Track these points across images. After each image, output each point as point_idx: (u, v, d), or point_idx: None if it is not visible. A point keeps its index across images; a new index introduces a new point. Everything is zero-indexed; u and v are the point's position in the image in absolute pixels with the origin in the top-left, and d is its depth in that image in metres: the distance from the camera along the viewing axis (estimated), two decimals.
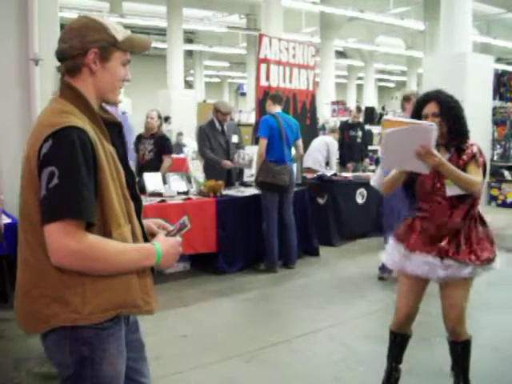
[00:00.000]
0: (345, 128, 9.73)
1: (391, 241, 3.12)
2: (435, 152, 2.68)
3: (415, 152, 2.66)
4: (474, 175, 2.81)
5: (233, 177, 6.87)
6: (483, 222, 2.97)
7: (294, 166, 7.03)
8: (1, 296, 4.45)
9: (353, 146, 9.60)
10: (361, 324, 4.60)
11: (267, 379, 3.62)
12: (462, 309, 2.92)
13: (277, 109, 6.28)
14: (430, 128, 2.67)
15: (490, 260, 2.87)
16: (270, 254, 6.12)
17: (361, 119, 10.78)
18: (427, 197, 2.97)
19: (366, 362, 3.78)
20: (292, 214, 6.28)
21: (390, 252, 3.08)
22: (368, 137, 10.72)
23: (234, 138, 6.78)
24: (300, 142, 6.52)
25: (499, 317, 4.71)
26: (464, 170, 2.83)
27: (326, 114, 14.82)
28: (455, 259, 2.82)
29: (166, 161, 6.74)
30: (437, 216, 2.91)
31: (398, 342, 3.13)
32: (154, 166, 6.55)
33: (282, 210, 6.19)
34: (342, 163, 9.67)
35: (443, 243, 2.86)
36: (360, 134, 9.65)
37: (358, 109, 10.23)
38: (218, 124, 6.65)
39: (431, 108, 2.90)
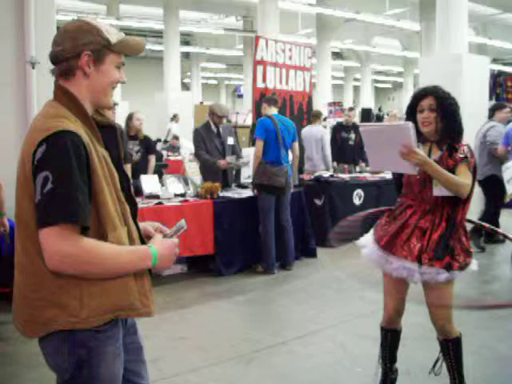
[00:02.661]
0: (337, 129, 9.48)
1: (371, 239, 3.08)
2: (418, 150, 2.66)
3: (399, 152, 2.64)
4: (463, 177, 2.76)
5: (229, 178, 6.89)
6: (464, 227, 2.93)
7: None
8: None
9: (343, 148, 9.29)
10: (358, 325, 4.60)
11: (265, 381, 3.62)
12: (447, 307, 2.91)
13: (273, 111, 6.28)
14: (407, 126, 2.65)
15: (467, 264, 2.85)
16: (268, 256, 6.13)
17: (356, 119, 10.67)
18: (412, 194, 2.95)
19: (364, 363, 3.78)
20: (289, 216, 6.29)
21: (371, 251, 3.05)
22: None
23: (230, 140, 6.77)
24: (296, 145, 6.53)
25: (498, 320, 4.72)
26: (453, 170, 2.80)
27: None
28: (434, 267, 2.80)
29: (152, 160, 6.98)
30: (420, 217, 2.89)
31: (389, 337, 3.14)
32: (143, 166, 6.73)
33: (278, 211, 6.19)
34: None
35: (424, 251, 2.83)
36: (353, 136, 9.29)
37: (351, 109, 9.98)
38: (213, 126, 6.62)
39: (428, 102, 2.87)
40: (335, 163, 9.16)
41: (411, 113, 2.96)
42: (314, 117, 8.83)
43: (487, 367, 3.71)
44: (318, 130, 8.66)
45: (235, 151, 6.84)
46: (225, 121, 6.90)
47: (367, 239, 3.11)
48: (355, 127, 9.40)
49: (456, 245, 2.84)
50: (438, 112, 2.85)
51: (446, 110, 2.86)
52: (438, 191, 2.80)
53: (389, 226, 3.01)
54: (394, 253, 2.91)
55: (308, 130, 8.71)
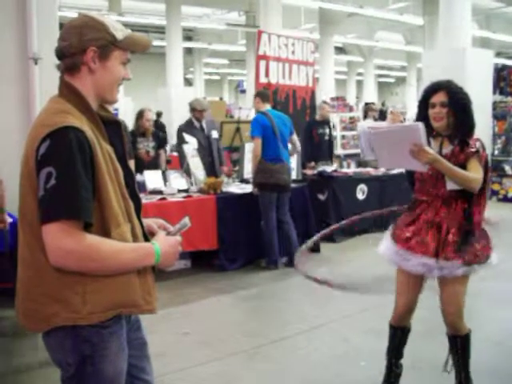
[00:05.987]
0: (313, 126, 8.94)
1: (388, 236, 3.08)
2: (428, 149, 2.67)
3: (409, 151, 2.66)
4: (474, 172, 2.77)
5: (217, 170, 6.90)
6: (481, 221, 2.93)
7: (294, 162, 7.03)
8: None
9: (322, 145, 8.95)
10: (362, 319, 4.60)
11: (269, 375, 3.63)
12: (460, 303, 2.91)
13: (266, 106, 6.17)
14: (417, 127, 2.66)
15: (488, 257, 2.86)
16: (270, 251, 6.11)
17: (359, 114, 10.58)
18: (425, 189, 2.95)
19: (368, 357, 3.78)
20: (287, 210, 6.22)
21: (387, 248, 3.05)
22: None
23: (214, 134, 6.96)
24: (295, 137, 6.39)
25: (502, 311, 4.71)
26: (465, 164, 2.80)
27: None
28: (452, 261, 2.80)
29: (164, 155, 7.10)
30: (435, 212, 2.90)
31: (398, 336, 3.13)
32: (157, 161, 6.81)
33: (278, 209, 6.14)
34: (308, 161, 8.62)
35: (441, 247, 2.83)
36: (327, 131, 9.06)
37: (325, 102, 9.59)
38: (196, 122, 6.82)
39: (440, 97, 2.86)
40: (313, 163, 8.54)
41: (423, 107, 2.95)
42: (371, 110, 9.00)
43: (492, 362, 3.70)
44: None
45: (219, 145, 7.08)
46: (206, 115, 7.03)
47: (385, 238, 3.10)
48: (327, 122, 9.15)
49: (474, 239, 2.83)
50: (450, 107, 2.84)
51: (458, 105, 2.85)
52: (452, 185, 2.81)
53: (405, 223, 3.00)
54: (411, 250, 2.89)
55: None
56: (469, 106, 2.90)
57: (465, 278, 2.88)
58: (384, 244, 3.09)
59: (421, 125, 2.67)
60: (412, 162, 2.72)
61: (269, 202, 6.05)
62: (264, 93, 6.38)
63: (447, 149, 2.89)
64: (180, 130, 6.84)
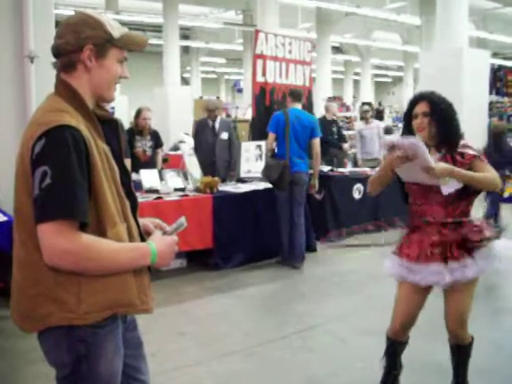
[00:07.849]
0: (326, 125, 8.99)
1: (391, 253, 3.02)
2: (438, 165, 2.65)
3: (421, 169, 2.65)
4: (488, 171, 2.75)
5: (220, 172, 6.90)
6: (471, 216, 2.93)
7: None
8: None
9: (330, 144, 9.15)
10: (359, 319, 4.60)
11: (265, 375, 3.63)
12: (466, 312, 2.88)
13: (295, 105, 6.25)
14: (415, 144, 2.63)
15: (489, 238, 2.82)
16: (281, 249, 6.17)
17: (356, 114, 10.64)
18: (419, 200, 2.92)
19: (365, 358, 3.78)
20: (301, 212, 6.18)
21: (392, 265, 2.98)
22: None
23: (224, 135, 7.07)
24: (316, 141, 6.23)
25: (503, 315, 4.72)
26: (472, 171, 2.77)
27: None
28: (458, 260, 2.77)
29: (160, 154, 7.14)
30: (434, 219, 2.87)
31: (394, 349, 3.08)
32: (153, 160, 6.85)
33: (291, 206, 6.15)
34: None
35: (446, 251, 2.80)
36: (335, 129, 9.33)
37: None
38: (209, 121, 7.11)
39: (422, 107, 2.85)
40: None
41: (408, 119, 2.94)
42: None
43: (493, 365, 3.70)
44: (378, 124, 9.40)
45: (231, 146, 7.12)
46: (219, 114, 7.23)
47: (389, 257, 3.05)
48: (336, 121, 9.63)
49: (468, 231, 2.82)
50: (432, 117, 2.82)
51: (440, 115, 2.83)
52: (447, 189, 2.78)
53: (408, 235, 2.97)
54: (419, 261, 2.84)
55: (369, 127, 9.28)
56: (451, 116, 2.87)
57: (472, 286, 2.84)
58: (390, 260, 3.01)
59: (418, 141, 2.64)
60: (427, 176, 2.71)
61: (278, 198, 6.15)
62: (294, 92, 6.48)
63: (434, 157, 2.85)
64: (195, 125, 7.39)
